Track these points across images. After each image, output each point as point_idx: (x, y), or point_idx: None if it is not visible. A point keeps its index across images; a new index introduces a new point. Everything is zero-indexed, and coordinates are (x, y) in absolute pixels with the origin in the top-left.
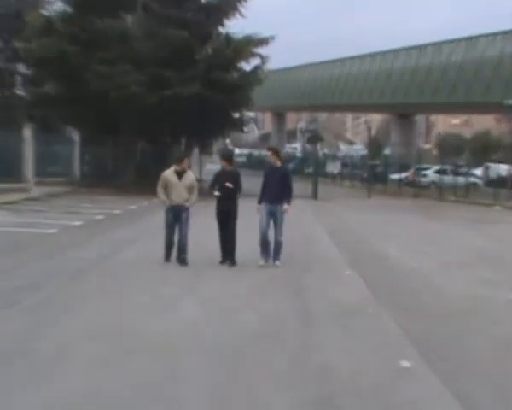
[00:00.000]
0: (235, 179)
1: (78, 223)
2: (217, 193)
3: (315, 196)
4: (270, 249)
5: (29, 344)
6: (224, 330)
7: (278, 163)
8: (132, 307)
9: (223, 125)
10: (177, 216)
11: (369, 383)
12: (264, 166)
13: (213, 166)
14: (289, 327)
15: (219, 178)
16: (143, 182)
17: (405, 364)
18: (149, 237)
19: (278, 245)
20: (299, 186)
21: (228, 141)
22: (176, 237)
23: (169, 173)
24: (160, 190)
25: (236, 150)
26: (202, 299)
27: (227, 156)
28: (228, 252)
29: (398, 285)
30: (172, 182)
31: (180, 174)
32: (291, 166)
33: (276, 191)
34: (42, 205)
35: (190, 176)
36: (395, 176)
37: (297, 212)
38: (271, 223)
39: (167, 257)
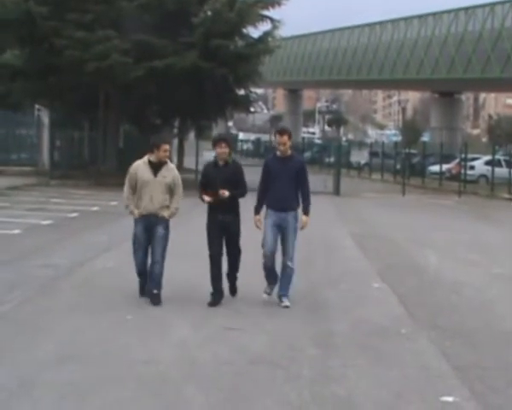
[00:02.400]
0: (236, 178)
1: (46, 222)
2: (207, 198)
3: (337, 191)
4: (276, 277)
5: None
6: (225, 355)
7: (289, 151)
8: (111, 327)
9: (224, 105)
10: (149, 231)
11: None
12: (267, 155)
13: (212, 153)
14: (305, 352)
15: (211, 177)
16: (127, 172)
17: (447, 398)
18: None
19: (287, 274)
20: (317, 179)
21: (230, 124)
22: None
23: (140, 167)
24: (126, 191)
25: (241, 135)
26: (193, 321)
27: (221, 140)
28: (231, 273)
29: (437, 302)
30: (144, 179)
31: (156, 168)
32: (307, 155)
33: (286, 193)
34: (3, 200)
35: (172, 171)
36: (435, 168)
37: (315, 211)
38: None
39: (142, 290)
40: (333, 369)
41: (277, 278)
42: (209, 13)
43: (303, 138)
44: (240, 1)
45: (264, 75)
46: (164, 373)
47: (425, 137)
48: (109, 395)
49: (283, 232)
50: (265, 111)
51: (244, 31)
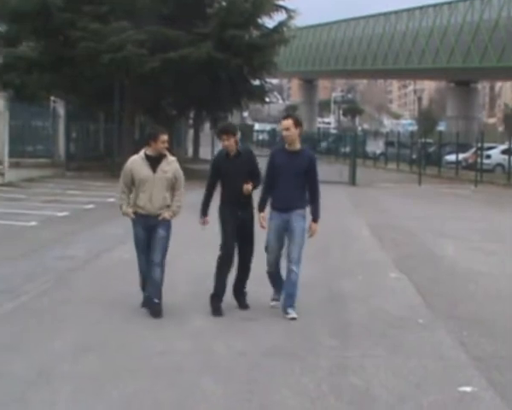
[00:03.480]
0: (250, 167)
1: (62, 214)
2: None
3: (353, 181)
4: (282, 282)
5: (4, 363)
6: (241, 346)
7: (297, 144)
8: (127, 318)
9: (239, 95)
10: (150, 232)
11: None
12: (273, 147)
13: None
14: (323, 343)
15: (223, 169)
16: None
17: (465, 388)
18: None
19: (291, 281)
20: (333, 169)
21: (246, 114)
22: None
23: (136, 162)
24: (122, 189)
25: (256, 125)
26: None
27: (223, 132)
28: (236, 288)
29: (455, 292)
30: (142, 177)
31: (155, 162)
32: (323, 145)
33: (292, 192)
34: (19, 192)
35: (172, 164)
36: (452, 157)
37: (331, 201)
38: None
39: (146, 298)
40: (350, 359)
41: (282, 288)
42: (224, 3)
43: (318, 128)
44: None
45: (280, 65)
46: (180, 364)
47: (441, 127)
48: (126, 386)
49: (289, 234)
50: (281, 101)
51: (259, 21)
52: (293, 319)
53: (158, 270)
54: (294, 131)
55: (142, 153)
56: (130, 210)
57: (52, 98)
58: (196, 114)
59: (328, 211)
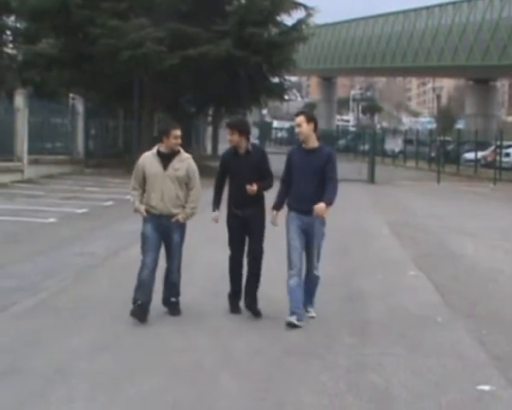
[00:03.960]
0: (260, 167)
1: (81, 211)
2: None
3: (372, 179)
4: (301, 295)
5: (23, 359)
6: (259, 343)
7: (315, 141)
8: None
9: (258, 93)
10: (162, 234)
11: None
12: (292, 146)
13: None
14: (341, 341)
15: (231, 168)
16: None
17: (483, 387)
18: None
19: (312, 281)
20: (352, 167)
21: (265, 112)
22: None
23: (148, 159)
24: (133, 185)
25: (275, 123)
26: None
27: (231, 126)
28: (247, 292)
29: (474, 290)
30: (152, 173)
31: (166, 159)
32: (342, 142)
33: (310, 193)
34: (38, 189)
35: (185, 161)
36: (470, 155)
37: (350, 198)
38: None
39: (140, 309)
40: (369, 358)
41: (302, 302)
42: (243, 1)
43: (337, 126)
44: None
45: (298, 63)
46: (198, 361)
47: (460, 125)
48: (144, 383)
49: (308, 240)
50: (299, 99)
51: (278, 18)
52: (312, 317)
53: (175, 275)
54: (307, 128)
55: (154, 149)
56: (142, 207)
57: (71, 95)
58: (215, 111)
59: (347, 209)
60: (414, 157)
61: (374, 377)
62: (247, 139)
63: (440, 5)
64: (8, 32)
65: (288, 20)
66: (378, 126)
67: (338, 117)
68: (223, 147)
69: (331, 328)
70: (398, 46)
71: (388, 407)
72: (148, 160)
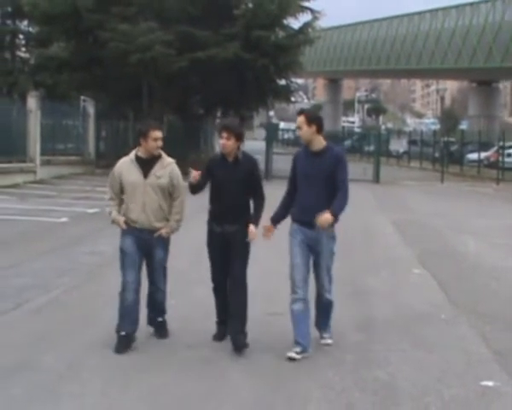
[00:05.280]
0: (250, 179)
1: (92, 210)
2: (194, 173)
3: (376, 179)
4: (307, 323)
5: (35, 354)
6: (267, 339)
7: (321, 141)
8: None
9: (265, 95)
10: (143, 249)
11: (442, 405)
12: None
13: (254, 143)
14: (348, 337)
15: (216, 176)
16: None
17: (487, 382)
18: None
19: (325, 306)
20: (357, 167)
21: (272, 113)
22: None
23: (125, 166)
24: (110, 195)
25: (282, 124)
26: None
27: (223, 128)
28: (232, 320)
29: (477, 288)
30: (131, 182)
31: (146, 165)
32: (347, 143)
33: (318, 201)
34: (50, 189)
35: (168, 167)
36: (473, 156)
37: (356, 198)
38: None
39: (124, 340)
40: (375, 353)
41: (309, 332)
42: (250, 5)
43: (343, 127)
44: None
45: (305, 65)
46: (207, 357)
47: (463, 126)
48: (154, 378)
49: (315, 258)
50: (306, 100)
51: (285, 22)
52: (328, 345)
53: (161, 294)
54: (307, 130)
55: (132, 154)
56: (121, 218)
57: (82, 97)
58: (223, 112)
59: (352, 208)
60: (418, 158)
61: (379, 373)
62: (238, 147)
63: (444, 8)
64: (21, 37)
65: (295, 23)
66: (383, 127)
67: (343, 118)
68: None
69: (337, 324)
70: (403, 49)
71: (393, 401)
72: (126, 166)
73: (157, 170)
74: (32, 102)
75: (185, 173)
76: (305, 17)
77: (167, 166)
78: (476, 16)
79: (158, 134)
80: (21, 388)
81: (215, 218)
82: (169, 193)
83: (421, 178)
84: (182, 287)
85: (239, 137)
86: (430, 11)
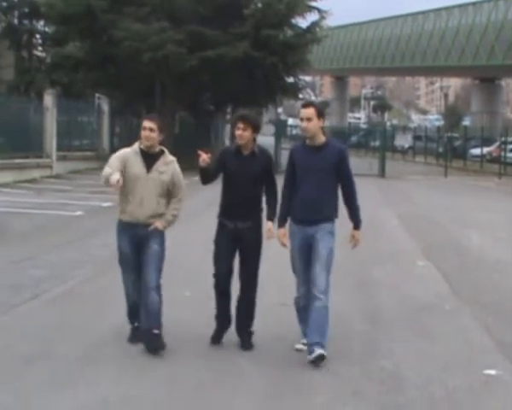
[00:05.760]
0: (265, 175)
1: (107, 204)
2: (204, 156)
3: (382, 173)
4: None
5: (52, 344)
6: (277, 329)
7: (322, 137)
8: (170, 303)
9: (274, 92)
10: (138, 245)
11: (446, 393)
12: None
13: (263, 138)
14: (354, 328)
15: (230, 169)
16: (183, 157)
17: (489, 371)
18: (190, 221)
19: (318, 311)
20: (363, 162)
21: (280, 110)
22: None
23: (129, 156)
24: (113, 162)
25: (290, 121)
26: None
27: (239, 118)
28: (239, 318)
29: (480, 279)
30: (133, 174)
31: (150, 160)
32: (353, 139)
33: (317, 198)
34: (66, 183)
35: (171, 165)
36: (476, 151)
37: (361, 192)
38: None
39: (136, 333)
40: (380, 343)
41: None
42: (259, 4)
43: (349, 123)
44: None
45: (312, 63)
46: (217, 347)
47: (466, 122)
48: (166, 368)
49: (311, 255)
50: (313, 97)
51: (293, 21)
52: (321, 356)
53: (154, 294)
54: (317, 123)
55: (135, 146)
56: (114, 177)
57: (97, 95)
58: (233, 109)
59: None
60: (422, 153)
61: (385, 362)
62: (255, 140)
63: (447, 8)
64: (38, 36)
65: (303, 22)
66: (388, 124)
67: (350, 115)
68: None
69: (343, 315)
70: (408, 47)
71: (399, 390)
72: (131, 157)
73: (160, 165)
74: (49, 99)
75: (195, 168)
76: (312, 16)
77: (170, 164)
78: (479, 15)
79: (148, 124)
80: (39, 376)
81: (227, 213)
82: (168, 191)
83: (426, 173)
84: (196, 279)
85: (256, 129)
86: (434, 11)
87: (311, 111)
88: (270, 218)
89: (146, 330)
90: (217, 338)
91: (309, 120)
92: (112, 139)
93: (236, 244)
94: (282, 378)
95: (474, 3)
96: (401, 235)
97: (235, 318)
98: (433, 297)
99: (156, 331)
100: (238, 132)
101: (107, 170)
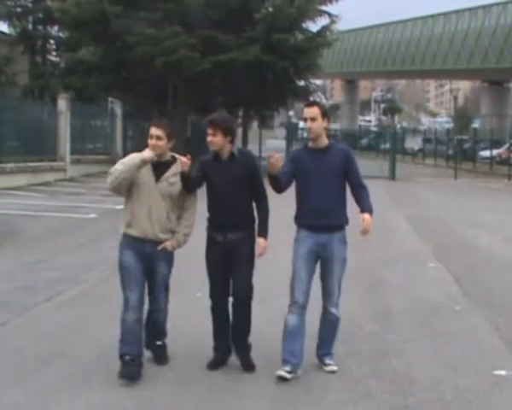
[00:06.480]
0: (248, 178)
1: (120, 207)
2: (184, 160)
3: (392, 175)
4: (302, 345)
5: (67, 345)
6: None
7: (324, 139)
8: (182, 304)
9: (285, 95)
10: (146, 264)
11: (456, 394)
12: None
13: (275, 141)
14: (364, 328)
15: (209, 176)
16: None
17: (500, 372)
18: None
19: (331, 323)
20: (374, 164)
21: (291, 113)
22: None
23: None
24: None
25: (301, 124)
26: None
27: (209, 123)
28: (235, 337)
29: (490, 280)
30: (141, 182)
31: (161, 169)
32: (364, 141)
33: (328, 202)
34: (79, 187)
35: None
36: (486, 153)
37: (372, 194)
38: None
39: (128, 366)
40: (391, 344)
41: (302, 351)
42: (270, 9)
43: (359, 126)
44: None
45: (323, 67)
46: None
47: (476, 124)
48: (181, 368)
49: (324, 264)
50: (324, 101)
51: (303, 25)
52: (333, 371)
53: (162, 314)
54: (321, 123)
55: (147, 152)
56: (118, 175)
57: (110, 99)
58: (245, 112)
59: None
60: (432, 155)
61: (395, 363)
62: (232, 142)
63: (457, 11)
64: (52, 41)
65: (313, 26)
66: (398, 126)
67: (360, 118)
68: (253, 147)
69: (354, 316)
70: (417, 50)
71: (409, 390)
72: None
73: (171, 175)
74: (62, 103)
75: None
76: (323, 21)
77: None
78: (488, 18)
79: (155, 131)
80: (54, 377)
81: (216, 225)
82: (179, 202)
83: (436, 175)
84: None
85: (227, 132)
86: (444, 14)
87: (315, 110)
88: (261, 234)
89: (150, 342)
90: (214, 367)
91: (313, 119)
92: (125, 143)
93: (228, 258)
94: (293, 378)
95: (483, 7)
96: (411, 236)
97: (231, 334)
98: (443, 298)
99: (159, 343)
100: (208, 138)
101: (117, 166)
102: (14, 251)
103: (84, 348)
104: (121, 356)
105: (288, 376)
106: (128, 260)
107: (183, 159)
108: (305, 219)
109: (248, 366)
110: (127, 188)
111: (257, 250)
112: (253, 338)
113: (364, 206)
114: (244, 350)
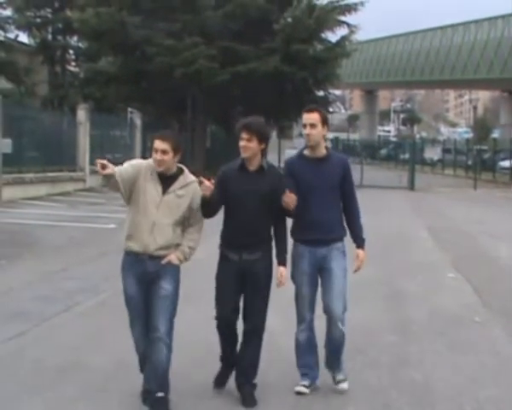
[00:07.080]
0: (276, 196)
1: None
2: (207, 184)
3: (412, 186)
4: (316, 357)
5: (86, 355)
6: None
7: (322, 148)
8: (199, 316)
9: (304, 105)
10: (148, 284)
11: (477, 405)
12: (288, 158)
13: (293, 151)
14: (384, 339)
15: (232, 188)
16: (215, 171)
17: None
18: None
19: (336, 340)
20: (393, 175)
21: None
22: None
23: (143, 170)
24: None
25: None
26: None
27: (243, 127)
28: (241, 370)
29: (510, 290)
30: (146, 194)
31: (168, 180)
32: (383, 152)
33: (326, 215)
34: (99, 197)
35: (190, 186)
36: (506, 163)
37: (391, 204)
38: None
39: (157, 403)
40: (411, 355)
41: (318, 363)
42: (289, 20)
43: (379, 136)
44: (318, 7)
45: (342, 77)
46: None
47: (495, 134)
48: (196, 377)
49: (325, 278)
50: (343, 111)
51: (322, 36)
52: (343, 389)
53: (162, 346)
54: (321, 131)
55: (151, 161)
56: (116, 177)
57: (129, 109)
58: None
59: (388, 214)
60: (452, 165)
61: (415, 374)
62: (263, 152)
63: (476, 21)
64: (71, 52)
65: (332, 36)
66: (417, 136)
67: (379, 128)
68: (272, 157)
69: (373, 326)
70: (437, 60)
71: (429, 401)
72: (144, 171)
73: (177, 187)
74: (82, 114)
75: None
76: (341, 31)
77: (190, 185)
78: (507, 28)
79: (160, 145)
80: (73, 386)
81: (230, 242)
82: (184, 218)
83: (455, 185)
84: None
85: (263, 139)
86: (463, 24)
87: (315, 116)
88: (282, 262)
89: (148, 391)
90: (221, 382)
91: (312, 126)
92: (144, 153)
93: (242, 280)
94: (312, 389)
95: (502, 17)
96: (431, 247)
97: (236, 367)
98: (463, 309)
99: (160, 394)
100: (242, 143)
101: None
102: (34, 261)
103: (103, 358)
104: (146, 393)
105: (306, 391)
106: (130, 287)
107: (207, 183)
108: (303, 233)
109: (250, 403)
110: (126, 189)
111: (277, 279)
112: (268, 348)
113: (357, 236)
114: (249, 385)
